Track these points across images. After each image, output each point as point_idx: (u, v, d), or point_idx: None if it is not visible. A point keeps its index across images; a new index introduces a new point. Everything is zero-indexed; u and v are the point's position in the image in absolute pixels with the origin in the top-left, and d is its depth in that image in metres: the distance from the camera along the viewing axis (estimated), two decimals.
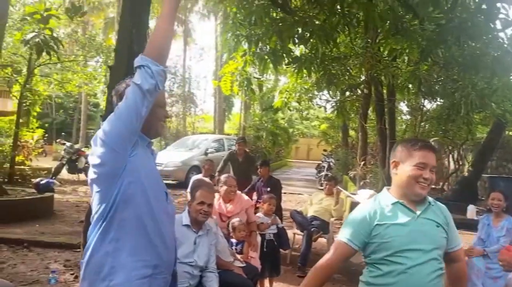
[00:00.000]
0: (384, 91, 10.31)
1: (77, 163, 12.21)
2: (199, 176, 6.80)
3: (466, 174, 12.46)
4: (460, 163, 13.37)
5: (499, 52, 5.86)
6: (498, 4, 5.01)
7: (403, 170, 1.94)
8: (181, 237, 2.95)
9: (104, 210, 1.69)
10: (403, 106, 14.26)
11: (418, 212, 1.94)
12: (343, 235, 1.94)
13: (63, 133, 17.75)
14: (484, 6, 5.12)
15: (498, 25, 6.54)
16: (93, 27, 24.06)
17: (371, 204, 1.98)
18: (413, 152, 1.94)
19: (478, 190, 12.16)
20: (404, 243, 1.87)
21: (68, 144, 12.68)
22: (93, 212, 1.75)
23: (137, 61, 1.66)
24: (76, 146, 14.08)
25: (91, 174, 1.72)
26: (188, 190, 4.10)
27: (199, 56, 41.79)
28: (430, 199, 2.01)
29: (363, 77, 10.37)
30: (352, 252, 1.93)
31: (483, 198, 11.52)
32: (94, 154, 1.67)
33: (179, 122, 25.85)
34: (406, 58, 7.89)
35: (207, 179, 5.76)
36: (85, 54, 13.58)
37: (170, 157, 13.28)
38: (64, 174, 12.46)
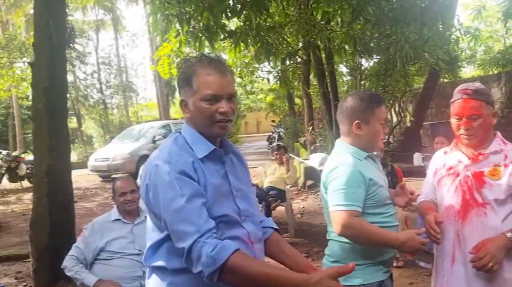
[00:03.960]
0: (323, 55, 10.43)
1: (17, 171, 11.54)
2: None
3: (408, 124, 12.98)
4: (402, 115, 13.91)
5: (426, 2, 6.02)
6: None
7: (370, 128, 1.90)
8: (115, 232, 2.98)
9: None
10: (342, 68, 14.52)
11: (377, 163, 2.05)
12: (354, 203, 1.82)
13: None
14: None
15: None
16: (13, 26, 22.49)
17: (352, 159, 1.89)
18: (375, 110, 1.91)
19: (421, 138, 12.75)
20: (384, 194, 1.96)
21: (4, 152, 11.96)
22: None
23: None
24: (15, 153, 13.30)
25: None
26: (138, 180, 3.99)
27: (132, 43, 40.15)
28: None
29: (300, 44, 10.41)
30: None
31: (427, 145, 12.12)
32: None
33: (121, 113, 25.04)
34: (339, 19, 7.94)
35: None
36: (7, 55, 12.71)
37: (116, 150, 12.87)
38: (6, 183, 11.77)
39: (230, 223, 1.46)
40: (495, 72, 12.74)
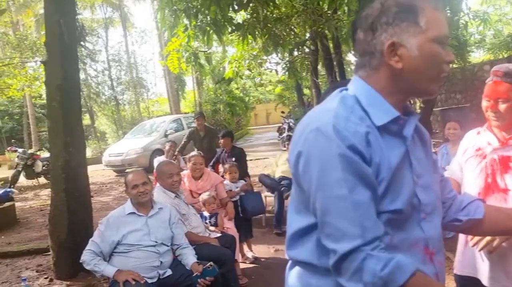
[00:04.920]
0: (330, 45, 10.42)
1: (33, 168, 11.78)
2: (162, 158, 6.74)
3: (418, 111, 12.91)
4: (412, 101, 13.82)
5: None
6: None
7: None
8: (130, 226, 3.04)
9: None
10: (350, 57, 14.49)
11: None
12: None
13: (13, 140, 17.01)
14: None
15: None
16: (24, 26, 22.76)
17: None
18: None
19: (431, 124, 12.69)
20: None
21: (20, 149, 12.19)
22: None
23: None
24: (30, 151, 13.55)
25: None
26: (154, 171, 4.10)
27: (141, 39, 40.20)
28: None
29: (308, 34, 10.41)
30: None
31: (437, 131, 12.06)
32: None
33: (133, 109, 25.26)
34: (346, 8, 7.94)
35: (170, 161, 5.72)
36: (19, 55, 12.90)
37: (130, 145, 13.05)
38: (23, 180, 12.03)
39: (402, 222, 1.09)
40: (505, 56, 12.57)
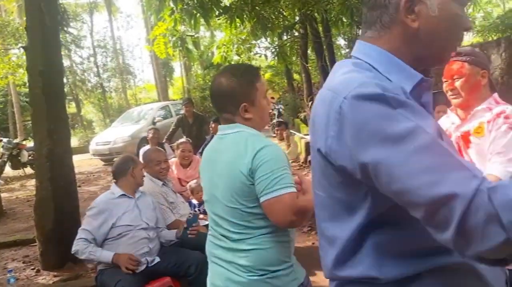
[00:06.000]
0: (320, 28, 10.29)
1: (19, 158, 11.57)
2: (147, 147, 6.61)
3: None
4: None
5: None
6: None
7: (257, 108, 1.71)
8: (123, 207, 3.03)
9: None
10: (340, 41, 14.38)
11: None
12: None
13: None
14: None
15: None
16: (6, 12, 22.20)
17: (269, 140, 1.74)
18: (257, 84, 1.72)
19: None
20: None
21: (5, 139, 11.96)
22: None
23: None
24: (16, 140, 13.30)
25: None
26: (140, 159, 4.00)
27: (127, 24, 39.75)
28: None
29: (297, 18, 10.27)
30: None
31: None
32: None
33: (120, 97, 24.96)
34: None
35: (158, 148, 5.60)
36: (1, 42, 12.59)
37: (117, 133, 12.86)
38: (9, 171, 11.82)
39: None
40: (495, 38, 12.56)
